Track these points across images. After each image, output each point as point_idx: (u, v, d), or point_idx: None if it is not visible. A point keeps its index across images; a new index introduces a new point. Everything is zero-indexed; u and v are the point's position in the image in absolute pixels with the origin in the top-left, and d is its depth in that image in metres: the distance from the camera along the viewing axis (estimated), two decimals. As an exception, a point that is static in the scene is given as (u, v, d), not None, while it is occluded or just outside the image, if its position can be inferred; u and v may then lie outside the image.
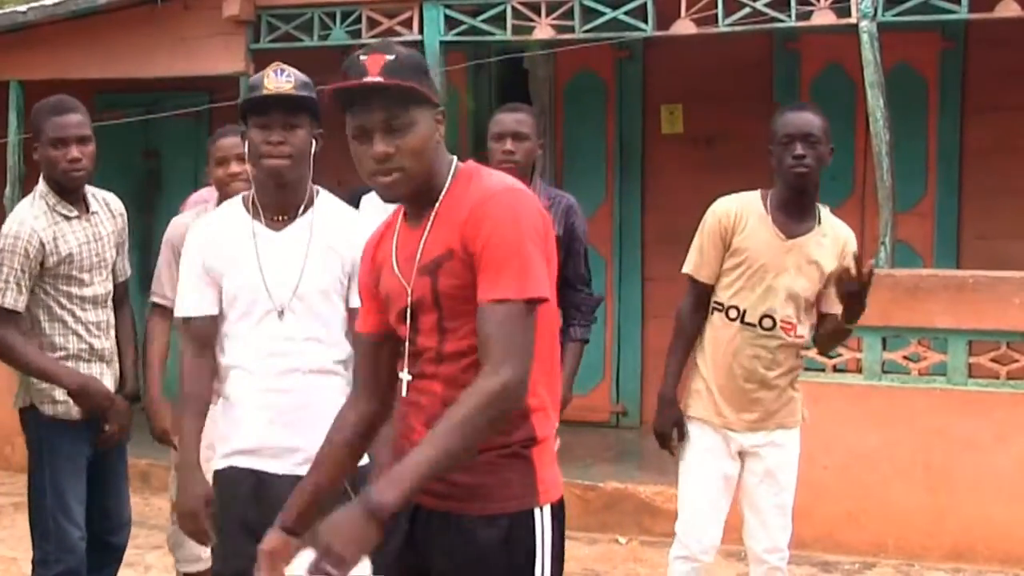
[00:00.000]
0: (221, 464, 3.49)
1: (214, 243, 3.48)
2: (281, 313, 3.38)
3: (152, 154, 9.49)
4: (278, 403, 3.35)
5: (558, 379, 2.77)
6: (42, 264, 4.24)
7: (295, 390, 3.34)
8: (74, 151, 4.22)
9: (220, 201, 4.63)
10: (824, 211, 4.33)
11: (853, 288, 4.02)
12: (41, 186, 4.36)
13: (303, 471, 3.34)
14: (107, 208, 4.53)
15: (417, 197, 2.65)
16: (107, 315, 4.46)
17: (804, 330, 4.31)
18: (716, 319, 4.32)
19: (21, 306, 4.24)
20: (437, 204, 2.64)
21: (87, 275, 4.35)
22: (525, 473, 2.62)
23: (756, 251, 4.25)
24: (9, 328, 4.24)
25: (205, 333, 3.51)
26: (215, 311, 3.50)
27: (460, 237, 2.55)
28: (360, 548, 2.35)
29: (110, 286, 4.47)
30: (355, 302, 3.37)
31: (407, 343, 2.68)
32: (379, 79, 2.58)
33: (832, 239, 4.27)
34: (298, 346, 3.37)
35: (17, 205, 4.40)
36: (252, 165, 3.43)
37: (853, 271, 3.98)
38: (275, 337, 3.38)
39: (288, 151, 3.35)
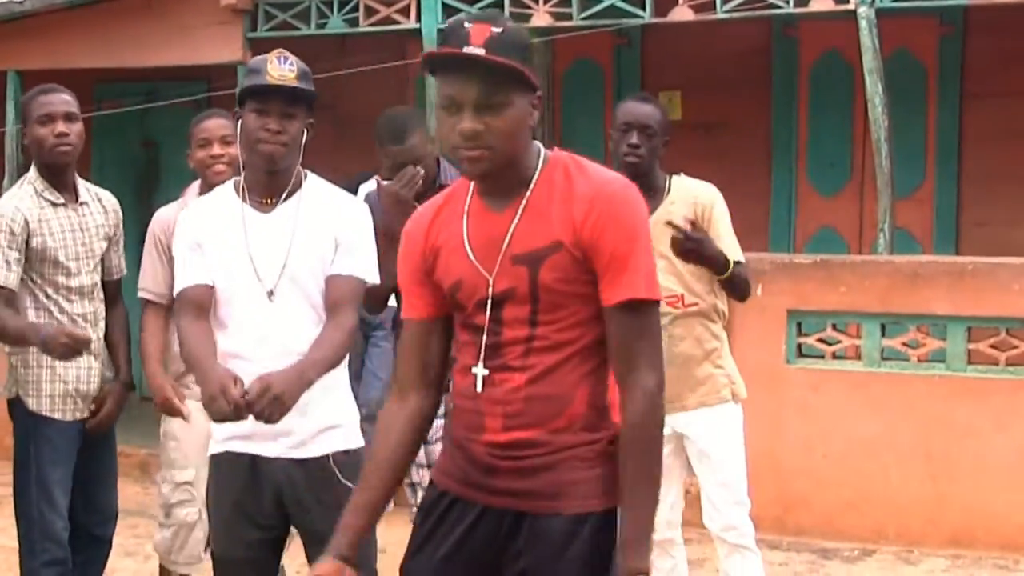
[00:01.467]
0: (217, 448, 3.50)
1: (204, 227, 3.48)
2: (271, 294, 3.39)
3: (150, 143, 9.49)
4: None
5: None
6: (28, 245, 4.20)
7: None
8: (61, 126, 4.23)
9: (202, 184, 4.61)
10: (676, 179, 4.36)
11: (687, 246, 4.09)
12: (31, 172, 4.36)
13: (296, 454, 3.37)
14: (99, 202, 4.49)
15: (502, 179, 2.53)
16: (94, 307, 4.41)
17: (698, 296, 4.27)
18: None
19: (13, 283, 4.17)
20: (529, 191, 2.53)
21: (73, 264, 4.31)
22: (611, 470, 2.52)
23: None
24: (2, 308, 4.15)
25: (200, 299, 3.45)
26: (210, 281, 3.46)
27: (573, 231, 2.46)
28: None
29: (97, 278, 4.43)
30: (336, 269, 3.42)
31: (486, 334, 2.54)
32: (482, 52, 2.43)
33: (682, 201, 4.28)
34: (289, 328, 3.38)
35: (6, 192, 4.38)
36: (245, 148, 3.44)
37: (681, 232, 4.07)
38: (266, 320, 3.38)
39: (284, 140, 3.36)
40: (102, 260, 4.49)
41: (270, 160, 3.37)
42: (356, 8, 7.36)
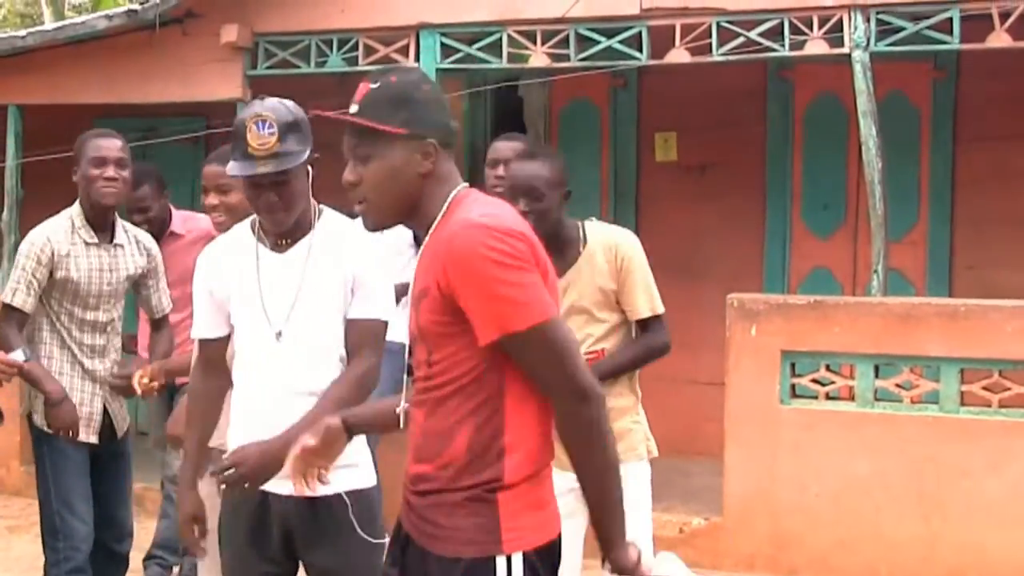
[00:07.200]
0: None
1: (219, 267, 3.51)
2: (279, 335, 3.39)
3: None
4: (279, 426, 3.34)
5: (550, 418, 2.55)
6: (52, 275, 4.45)
7: (296, 412, 3.35)
8: (111, 171, 4.49)
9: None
10: (590, 226, 4.15)
11: None
12: (73, 207, 4.58)
13: (307, 492, 3.36)
14: (136, 244, 4.72)
15: (411, 225, 2.65)
16: (106, 340, 4.61)
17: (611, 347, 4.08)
18: None
19: (28, 308, 4.46)
20: (428, 235, 2.58)
21: (92, 299, 4.54)
22: (486, 518, 2.48)
23: None
24: (11, 325, 4.45)
25: (216, 354, 3.58)
26: (225, 332, 3.54)
27: (438, 273, 2.48)
28: None
29: (115, 315, 4.64)
30: (355, 314, 3.44)
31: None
32: (355, 108, 2.59)
33: (602, 251, 4.07)
34: (297, 368, 3.38)
35: (45, 221, 4.60)
36: (253, 209, 3.46)
37: None
38: (274, 359, 3.39)
39: (285, 205, 3.36)
40: (146, 300, 4.78)
41: (280, 225, 3.40)
42: (355, 47, 7.41)
